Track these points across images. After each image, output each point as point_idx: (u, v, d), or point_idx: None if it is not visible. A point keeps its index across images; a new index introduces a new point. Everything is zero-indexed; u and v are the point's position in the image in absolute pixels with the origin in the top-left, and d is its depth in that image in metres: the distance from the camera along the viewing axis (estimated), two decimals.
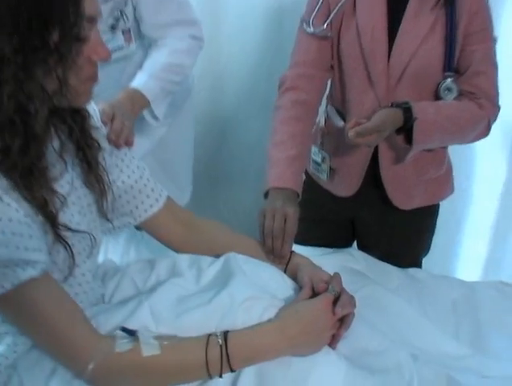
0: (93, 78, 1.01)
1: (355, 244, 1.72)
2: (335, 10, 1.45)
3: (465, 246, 2.31)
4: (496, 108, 1.48)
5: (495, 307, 1.41)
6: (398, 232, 1.59)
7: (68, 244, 1.00)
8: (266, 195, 1.38)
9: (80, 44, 0.94)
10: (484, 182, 2.19)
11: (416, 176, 1.53)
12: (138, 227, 1.32)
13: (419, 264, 1.66)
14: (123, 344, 0.96)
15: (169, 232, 1.29)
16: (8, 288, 0.91)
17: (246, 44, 2.17)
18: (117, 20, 1.60)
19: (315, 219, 1.59)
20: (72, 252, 1.01)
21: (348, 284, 1.18)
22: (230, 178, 2.27)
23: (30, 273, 0.92)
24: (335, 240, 1.56)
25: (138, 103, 1.49)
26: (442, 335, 1.27)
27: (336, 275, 1.15)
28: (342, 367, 1.01)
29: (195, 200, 1.99)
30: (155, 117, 1.61)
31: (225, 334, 0.98)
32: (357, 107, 1.48)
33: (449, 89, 1.44)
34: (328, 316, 1.04)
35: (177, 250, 1.28)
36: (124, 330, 0.98)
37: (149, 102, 1.54)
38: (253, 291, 1.05)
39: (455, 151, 1.64)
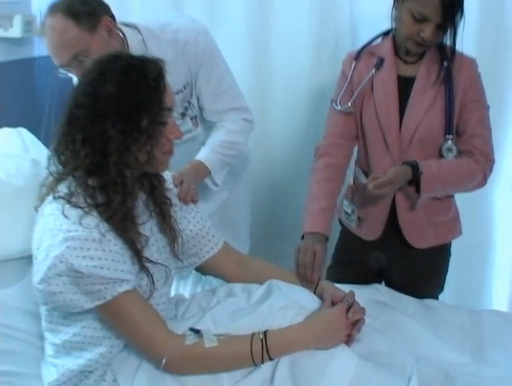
0: (171, 152, 1.46)
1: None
2: (357, 92, 1.89)
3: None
4: (491, 163, 1.85)
5: (497, 329, 1.73)
6: (415, 268, 1.94)
7: (149, 272, 1.42)
8: (303, 237, 1.79)
9: (162, 127, 1.39)
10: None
11: (427, 220, 1.89)
12: (199, 271, 1.73)
13: (435, 299, 1.99)
14: (190, 339, 1.35)
15: (225, 268, 1.70)
16: (109, 298, 1.32)
17: (291, 123, 2.62)
18: (186, 109, 2.06)
19: (349, 261, 1.96)
20: (152, 278, 1.43)
21: (372, 311, 1.56)
22: (282, 233, 2.69)
23: (125, 287, 1.33)
24: (365, 278, 1.92)
25: (201, 172, 1.92)
26: (448, 349, 1.60)
27: (350, 292, 1.53)
28: (354, 359, 1.36)
29: (253, 252, 2.38)
30: (215, 184, 2.02)
31: (265, 332, 1.36)
32: (377, 167, 1.87)
33: (450, 149, 1.82)
34: (343, 319, 1.42)
35: (230, 282, 1.68)
36: (191, 329, 1.38)
37: (210, 171, 1.97)
38: (287, 302, 1.44)
39: None
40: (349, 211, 1.96)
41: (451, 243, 1.99)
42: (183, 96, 2.00)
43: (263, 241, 2.66)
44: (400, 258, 1.94)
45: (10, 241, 1.77)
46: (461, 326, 1.73)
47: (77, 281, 1.29)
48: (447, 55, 1.80)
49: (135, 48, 1.87)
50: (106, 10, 1.84)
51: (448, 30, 1.74)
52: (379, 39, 1.93)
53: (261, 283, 1.60)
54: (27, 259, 1.79)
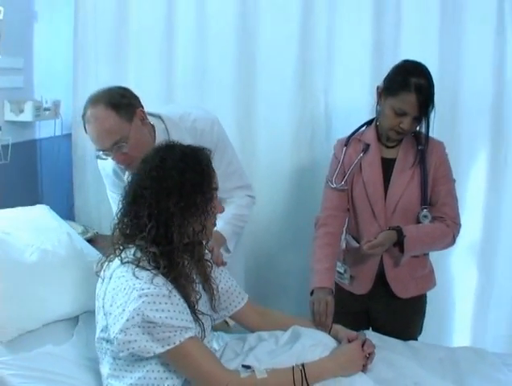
0: (215, 224, 1.86)
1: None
2: (348, 172, 2.36)
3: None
4: (458, 226, 2.34)
5: (471, 361, 2.19)
6: (400, 315, 2.38)
7: (201, 321, 1.79)
8: (312, 293, 2.22)
9: (212, 203, 1.80)
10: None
11: (409, 274, 2.36)
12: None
13: (415, 340, 2.44)
14: (245, 373, 1.72)
15: (249, 320, 2.09)
16: (177, 344, 1.66)
17: (273, 198, 3.08)
18: None
19: (341, 313, 2.38)
20: (203, 327, 1.80)
21: None
22: (272, 293, 3.11)
23: (190, 333, 1.68)
24: (355, 326, 2.33)
25: (219, 240, 2.29)
26: (434, 377, 2.03)
27: (362, 332, 1.96)
28: (370, 383, 1.79)
29: None
30: (228, 251, 2.39)
31: (303, 365, 1.75)
32: (366, 233, 2.33)
33: (425, 216, 2.30)
34: (360, 352, 1.85)
35: (254, 331, 2.06)
36: (243, 366, 1.76)
37: (226, 240, 2.37)
38: (315, 341, 1.87)
39: None
40: (342, 270, 2.41)
41: (426, 294, 2.47)
42: None
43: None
44: (386, 307, 2.39)
45: (59, 304, 2.10)
46: (441, 360, 2.17)
47: (150, 331, 1.62)
48: (421, 141, 2.30)
49: (160, 135, 2.27)
50: (139, 102, 2.21)
51: (423, 120, 2.24)
52: (363, 128, 2.43)
53: (281, 330, 2.00)
54: (73, 320, 2.15)
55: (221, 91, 3.08)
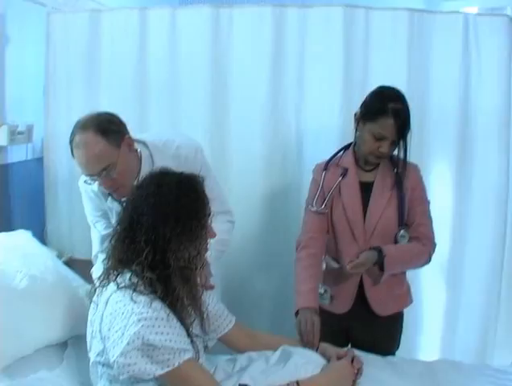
0: (208, 248, 1.95)
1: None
2: (328, 196, 2.48)
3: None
4: (433, 245, 2.50)
5: (448, 373, 2.33)
6: (378, 332, 2.51)
7: (195, 344, 1.87)
8: (297, 313, 2.32)
9: (206, 229, 1.89)
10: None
11: (388, 293, 2.49)
12: None
13: (393, 355, 2.57)
14: None
15: (237, 341, 2.18)
16: (176, 365, 1.73)
17: (244, 220, 3.12)
18: None
19: (322, 331, 2.49)
20: (198, 348, 1.88)
21: None
22: (247, 314, 3.19)
23: (188, 355, 1.75)
24: (336, 345, 2.44)
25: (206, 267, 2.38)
26: None
27: (350, 349, 2.07)
28: None
29: None
30: (211, 274, 2.41)
31: (297, 382, 1.85)
32: (347, 254, 2.45)
33: (403, 236, 2.45)
34: (350, 368, 1.98)
35: (243, 352, 2.15)
36: (240, 385, 1.85)
37: (209, 264, 2.41)
38: (306, 359, 1.97)
39: None
40: (322, 291, 2.52)
41: (403, 311, 2.60)
42: None
43: None
44: (366, 325, 2.51)
45: (49, 330, 2.15)
46: (420, 375, 2.31)
47: (150, 353, 1.69)
48: (397, 164, 2.45)
49: (145, 161, 2.35)
50: (126, 129, 2.29)
51: (400, 144, 2.38)
52: (341, 153, 2.56)
53: (269, 350, 2.10)
54: (62, 344, 2.20)
55: (194, 118, 3.17)
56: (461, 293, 3.18)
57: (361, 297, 2.49)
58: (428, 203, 2.53)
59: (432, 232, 2.50)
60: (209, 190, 2.47)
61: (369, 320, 2.51)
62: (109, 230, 2.22)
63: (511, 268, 3.22)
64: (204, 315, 2.02)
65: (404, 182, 2.45)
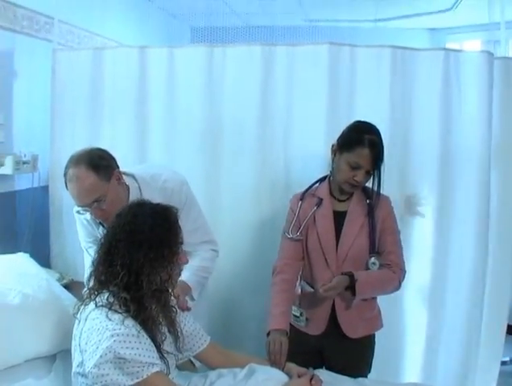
0: (180, 273, 2.19)
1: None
2: (303, 224, 2.69)
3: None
4: (403, 272, 2.67)
5: None
6: (350, 353, 2.70)
7: (166, 360, 2.10)
8: (268, 334, 2.54)
9: (177, 255, 2.12)
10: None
11: (358, 317, 2.68)
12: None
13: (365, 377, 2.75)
14: None
15: (211, 359, 2.41)
16: (145, 377, 1.95)
17: (236, 247, 3.42)
18: None
19: (298, 352, 2.63)
20: (168, 363, 2.11)
21: None
22: (235, 336, 3.43)
23: (156, 368, 1.97)
24: (310, 365, 2.57)
25: (185, 289, 2.60)
26: None
27: (310, 369, 2.29)
28: None
29: None
30: (192, 298, 2.69)
31: None
32: (320, 279, 2.64)
33: (374, 263, 2.64)
34: (308, 384, 2.18)
35: (215, 368, 2.37)
36: None
37: (191, 289, 2.66)
38: (268, 376, 2.19)
39: None
40: (298, 314, 2.73)
41: (375, 334, 2.79)
42: None
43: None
44: (338, 346, 2.70)
45: (39, 343, 2.40)
46: None
47: (121, 366, 1.91)
48: (369, 195, 2.67)
49: (133, 193, 2.60)
50: (116, 163, 2.54)
51: (374, 175, 2.60)
52: (317, 184, 2.78)
53: (240, 367, 2.31)
54: (51, 357, 2.45)
55: (189, 150, 3.46)
56: (443, 318, 3.35)
57: (333, 319, 2.69)
58: (399, 232, 2.73)
59: (402, 260, 2.69)
60: (193, 220, 2.75)
61: (341, 342, 2.69)
62: None
63: (493, 294, 3.38)
64: (178, 334, 2.24)
65: (376, 211, 2.65)
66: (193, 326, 2.37)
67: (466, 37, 5.85)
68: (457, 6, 4.96)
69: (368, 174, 2.59)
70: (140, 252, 2.02)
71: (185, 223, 2.44)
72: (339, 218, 2.68)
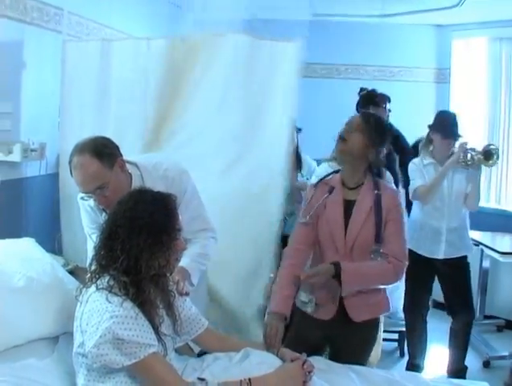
0: (179, 258, 2.27)
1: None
2: (313, 209, 2.80)
3: None
4: (401, 263, 2.71)
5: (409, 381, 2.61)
6: (354, 339, 2.77)
7: (163, 341, 2.17)
8: (269, 314, 2.65)
9: (175, 242, 2.20)
10: None
11: (363, 301, 2.74)
12: None
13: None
14: (199, 384, 2.12)
15: (208, 343, 2.49)
16: (142, 357, 2.03)
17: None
18: None
19: (304, 336, 2.78)
20: (165, 346, 2.18)
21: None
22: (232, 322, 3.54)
23: (153, 349, 2.05)
24: (313, 351, 2.71)
25: (184, 274, 2.67)
26: None
27: (303, 353, 2.37)
28: None
29: None
30: (192, 284, 2.77)
31: (249, 379, 2.13)
32: None
33: (376, 251, 2.69)
34: (300, 370, 2.25)
35: (212, 352, 2.46)
36: (199, 378, 2.16)
37: (190, 274, 2.74)
38: (261, 359, 2.28)
39: None
40: (306, 300, 2.79)
41: (379, 319, 2.89)
42: None
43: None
44: (344, 331, 2.77)
45: (42, 325, 2.49)
46: (380, 383, 2.58)
47: (119, 346, 2.00)
48: (379, 186, 2.76)
49: (136, 181, 2.68)
50: (119, 151, 2.63)
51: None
52: (331, 175, 2.90)
53: (236, 351, 2.39)
54: (54, 339, 2.54)
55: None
56: None
57: (341, 305, 2.77)
58: (403, 224, 2.79)
59: (402, 251, 2.75)
60: (194, 209, 2.83)
61: (347, 327, 2.77)
62: None
63: None
64: (177, 317, 2.32)
65: (382, 202, 2.74)
66: (191, 311, 2.45)
67: (472, 33, 5.89)
68: (463, 3, 4.99)
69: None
70: (140, 238, 2.10)
71: (185, 211, 2.59)
72: (349, 206, 2.78)
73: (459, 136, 3.90)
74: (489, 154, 3.81)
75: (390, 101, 4.47)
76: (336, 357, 2.81)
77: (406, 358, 4.28)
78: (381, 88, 4.89)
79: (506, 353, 4.60)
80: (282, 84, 3.46)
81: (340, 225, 2.75)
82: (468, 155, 3.84)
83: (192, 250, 2.80)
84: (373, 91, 4.49)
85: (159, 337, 2.14)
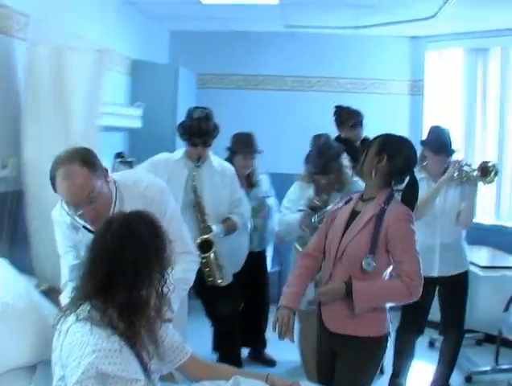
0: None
1: None
2: (325, 214, 3.04)
3: None
4: (414, 282, 2.58)
5: None
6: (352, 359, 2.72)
7: (151, 377, 2.06)
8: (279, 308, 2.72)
9: (164, 271, 2.06)
10: None
11: (341, 311, 2.68)
12: None
13: None
14: None
15: (192, 371, 2.37)
16: None
17: None
18: None
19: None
20: (154, 382, 2.07)
21: None
22: None
23: (139, 384, 1.94)
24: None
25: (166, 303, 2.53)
26: None
27: (296, 382, 2.31)
28: None
29: None
30: (172, 311, 2.60)
31: None
32: (323, 272, 2.84)
33: (368, 264, 2.60)
34: None
35: (199, 381, 2.35)
36: None
37: (169, 300, 2.53)
38: None
39: None
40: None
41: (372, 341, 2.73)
42: None
43: None
44: (341, 347, 2.76)
45: (19, 353, 2.36)
46: None
47: (104, 381, 1.88)
48: (388, 201, 2.69)
49: (115, 196, 2.57)
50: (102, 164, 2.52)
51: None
52: None
53: (222, 379, 2.30)
54: (31, 368, 2.40)
55: None
56: None
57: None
58: (413, 241, 2.66)
59: (414, 269, 2.61)
60: (174, 230, 2.67)
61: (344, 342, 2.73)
62: (78, 261, 2.45)
63: None
64: (159, 349, 2.16)
65: (385, 215, 2.66)
66: (174, 338, 2.33)
67: (447, 45, 5.91)
68: (439, 15, 4.98)
69: None
70: (126, 266, 1.98)
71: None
72: (354, 216, 2.76)
73: (452, 151, 3.87)
74: (485, 171, 3.75)
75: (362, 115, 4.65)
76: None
77: (387, 375, 4.17)
78: (353, 100, 4.92)
79: (488, 367, 4.57)
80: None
81: (339, 232, 2.75)
82: (464, 172, 3.80)
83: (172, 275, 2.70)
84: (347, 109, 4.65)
85: (148, 374, 2.03)
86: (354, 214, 2.76)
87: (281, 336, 2.64)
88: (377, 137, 2.80)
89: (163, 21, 5.97)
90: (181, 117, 3.96)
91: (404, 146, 2.76)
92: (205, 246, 3.60)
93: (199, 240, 3.56)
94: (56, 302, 2.72)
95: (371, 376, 2.76)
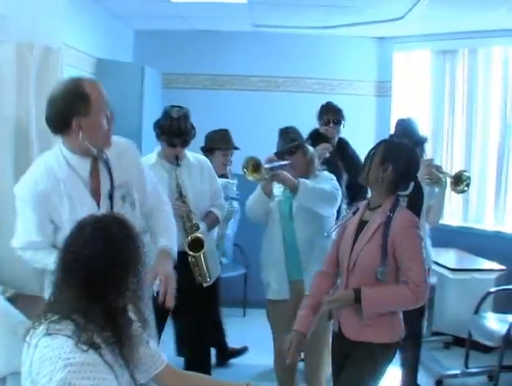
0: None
1: None
2: (337, 226, 3.02)
3: None
4: (420, 288, 2.66)
5: None
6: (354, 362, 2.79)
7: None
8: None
9: (139, 279, 1.98)
10: None
11: (357, 317, 2.73)
12: None
13: None
14: None
15: (169, 381, 2.27)
16: None
17: None
18: (124, 196, 2.67)
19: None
20: None
21: None
22: None
23: None
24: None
25: (166, 258, 2.68)
26: None
27: None
28: None
29: None
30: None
31: None
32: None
33: (382, 273, 2.66)
34: None
35: None
36: None
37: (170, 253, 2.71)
38: None
39: None
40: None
41: (383, 347, 2.78)
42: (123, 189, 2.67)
43: None
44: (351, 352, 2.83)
45: None
46: None
47: None
48: (394, 209, 2.73)
49: None
50: None
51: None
52: None
53: None
54: (1, 380, 2.30)
55: None
56: None
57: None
58: (419, 248, 2.74)
59: (420, 276, 2.68)
60: (150, 180, 2.87)
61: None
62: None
63: None
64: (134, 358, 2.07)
65: (392, 223, 2.71)
66: (149, 345, 2.22)
67: (414, 46, 5.93)
68: (408, 16, 4.99)
69: None
70: (98, 276, 1.89)
71: (144, 187, 2.79)
72: (363, 226, 2.80)
73: (423, 140, 3.95)
74: (459, 180, 3.81)
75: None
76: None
77: None
78: (320, 101, 4.86)
79: (458, 371, 4.59)
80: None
81: (349, 244, 2.80)
82: (435, 175, 3.84)
83: (159, 228, 2.83)
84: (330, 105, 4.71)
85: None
86: (362, 224, 2.81)
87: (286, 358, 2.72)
88: (379, 144, 2.85)
89: (128, 19, 5.86)
90: (147, 117, 3.87)
91: (406, 151, 2.82)
92: (196, 244, 3.52)
93: (189, 239, 3.48)
94: (24, 310, 2.63)
95: (375, 381, 2.82)
